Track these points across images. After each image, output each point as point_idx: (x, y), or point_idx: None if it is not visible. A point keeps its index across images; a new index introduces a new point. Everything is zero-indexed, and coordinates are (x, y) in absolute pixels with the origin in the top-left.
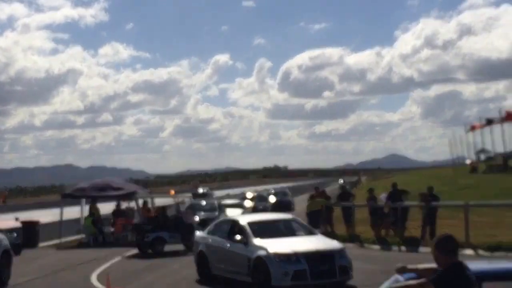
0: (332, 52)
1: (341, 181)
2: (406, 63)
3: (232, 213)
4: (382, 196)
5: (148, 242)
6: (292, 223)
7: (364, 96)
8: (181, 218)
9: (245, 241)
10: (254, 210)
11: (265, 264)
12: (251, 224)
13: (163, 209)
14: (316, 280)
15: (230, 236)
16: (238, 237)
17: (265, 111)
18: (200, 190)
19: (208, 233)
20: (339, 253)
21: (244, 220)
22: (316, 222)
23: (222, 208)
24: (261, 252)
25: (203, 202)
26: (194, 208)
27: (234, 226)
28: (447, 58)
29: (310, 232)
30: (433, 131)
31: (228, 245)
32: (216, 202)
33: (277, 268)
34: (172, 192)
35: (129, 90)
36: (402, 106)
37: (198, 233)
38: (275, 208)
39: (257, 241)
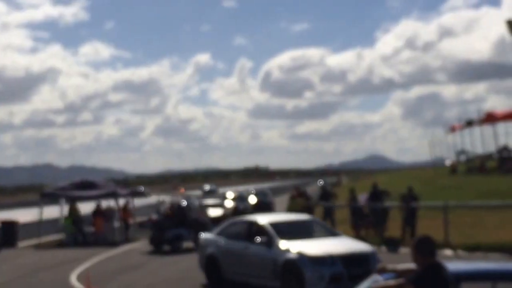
0: (313, 53)
1: (320, 182)
2: (387, 64)
3: (213, 213)
4: (362, 197)
5: (169, 239)
6: (313, 224)
7: (345, 97)
8: (196, 216)
9: (269, 243)
10: (235, 210)
11: (298, 267)
12: (273, 225)
13: (179, 206)
14: (353, 284)
15: (248, 238)
16: (259, 238)
17: (246, 111)
18: (207, 187)
19: (219, 234)
20: (373, 255)
21: (264, 220)
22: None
23: (203, 208)
24: (291, 255)
25: (184, 202)
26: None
27: (252, 227)
28: (427, 60)
29: (332, 234)
30: (413, 132)
31: (247, 247)
32: (197, 202)
33: (312, 271)
34: (182, 190)
35: (109, 89)
36: (383, 107)
37: (204, 235)
38: (256, 208)
39: (283, 243)
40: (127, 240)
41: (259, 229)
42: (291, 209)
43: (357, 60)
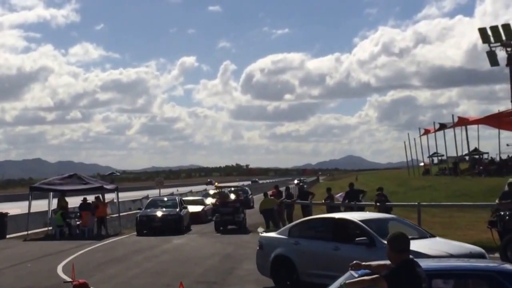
0: (293, 57)
1: (296, 180)
2: (364, 69)
3: (194, 209)
4: (339, 195)
5: (239, 221)
6: (399, 223)
7: (323, 100)
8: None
9: (371, 243)
10: (216, 207)
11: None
12: (366, 223)
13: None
14: None
15: (337, 237)
16: (361, 238)
17: (229, 112)
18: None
19: (290, 234)
20: (485, 255)
21: (354, 217)
22: (270, 219)
23: (183, 204)
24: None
25: (165, 198)
26: (154, 205)
27: (340, 226)
28: (403, 65)
29: (422, 233)
30: (388, 134)
31: (337, 247)
32: (177, 198)
33: None
34: (217, 183)
35: (98, 89)
36: (360, 110)
37: (265, 235)
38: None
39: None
40: (107, 234)
41: (352, 228)
42: (263, 206)
43: (336, 64)
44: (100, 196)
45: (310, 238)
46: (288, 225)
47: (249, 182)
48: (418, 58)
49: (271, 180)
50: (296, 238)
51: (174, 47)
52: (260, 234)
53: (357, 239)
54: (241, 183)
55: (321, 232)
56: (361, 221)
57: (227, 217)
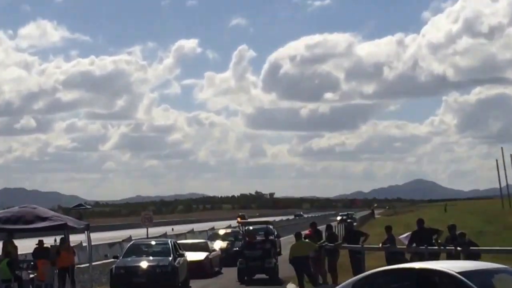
0: (337, 39)
1: (339, 217)
2: (438, 56)
3: (194, 256)
4: (403, 237)
5: (271, 268)
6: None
7: (380, 100)
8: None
9: None
10: (227, 253)
11: None
12: (467, 276)
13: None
14: None
15: None
16: None
17: (245, 118)
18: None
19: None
20: None
21: (449, 268)
22: (304, 271)
23: (179, 250)
24: None
25: (152, 242)
26: (137, 251)
27: (427, 280)
28: (494, 50)
29: None
30: (473, 150)
31: None
32: (171, 241)
33: None
34: (239, 219)
35: (59, 86)
36: (432, 114)
37: None
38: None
39: None
40: None
41: (445, 284)
42: (294, 253)
43: (397, 49)
44: (64, 237)
45: None
46: (349, 281)
47: (290, 217)
48: None
49: (311, 215)
50: None
51: (168, 26)
52: None
53: None
54: (271, 219)
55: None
56: (460, 273)
57: (255, 263)
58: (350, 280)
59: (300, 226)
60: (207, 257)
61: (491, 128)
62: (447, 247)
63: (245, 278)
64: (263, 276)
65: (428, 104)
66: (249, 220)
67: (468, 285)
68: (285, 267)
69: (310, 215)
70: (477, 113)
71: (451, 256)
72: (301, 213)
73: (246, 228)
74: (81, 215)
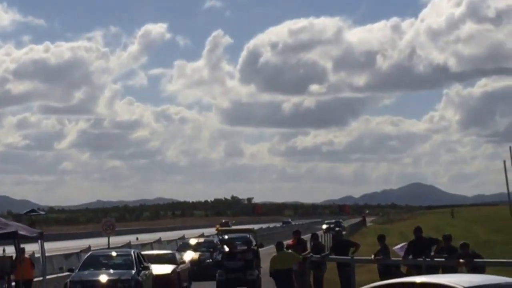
0: (324, 24)
1: (324, 225)
2: (438, 43)
3: (159, 270)
4: (398, 248)
5: (253, 281)
6: None
7: (372, 93)
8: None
9: None
10: (200, 265)
11: None
12: None
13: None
14: None
15: None
16: None
17: (220, 113)
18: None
19: None
20: None
21: (456, 284)
22: (287, 286)
23: (143, 263)
24: None
25: (113, 253)
26: (95, 263)
27: None
28: (501, 37)
29: None
30: (478, 150)
31: None
32: (134, 252)
33: None
34: (218, 226)
35: (9, 76)
36: (431, 109)
37: None
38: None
39: None
40: None
41: None
42: (275, 265)
43: (393, 36)
44: (23, 248)
45: None
46: None
47: (277, 224)
48: None
49: (300, 222)
50: None
51: (133, 9)
52: None
53: None
54: (251, 226)
55: None
56: None
57: (236, 275)
58: None
59: (285, 234)
60: (174, 270)
61: (498, 125)
62: (446, 259)
63: None
64: None
65: (427, 98)
66: (230, 228)
67: None
68: (266, 281)
69: (298, 223)
70: (482, 108)
71: (448, 270)
72: (290, 220)
73: (222, 237)
74: (33, 222)
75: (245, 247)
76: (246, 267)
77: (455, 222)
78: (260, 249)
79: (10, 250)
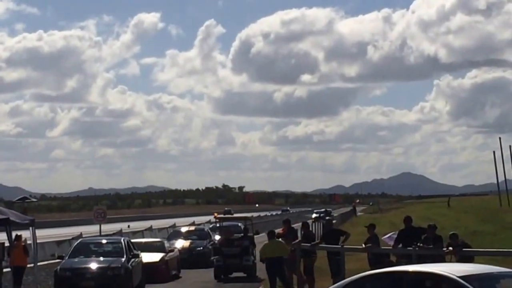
0: (316, 15)
1: (314, 215)
2: (429, 34)
3: (147, 258)
4: (387, 237)
5: (249, 266)
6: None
7: (363, 84)
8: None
9: None
10: (190, 253)
11: None
12: (468, 280)
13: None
14: None
15: None
16: None
17: (212, 102)
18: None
19: None
20: None
21: (449, 272)
22: (278, 274)
23: (133, 250)
24: None
25: (103, 240)
26: (85, 251)
27: (423, 285)
28: (491, 29)
29: None
30: (468, 140)
31: None
32: (124, 240)
33: None
34: (216, 214)
35: (2, 64)
36: (422, 100)
37: None
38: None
39: None
40: None
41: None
42: (266, 253)
43: (384, 27)
44: (18, 234)
45: None
46: (339, 284)
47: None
48: None
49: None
50: None
51: None
52: None
53: None
54: (256, 214)
55: None
56: (461, 277)
57: (233, 260)
58: (337, 284)
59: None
60: (162, 258)
61: (488, 116)
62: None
63: (222, 276)
64: (241, 274)
65: (417, 89)
66: (226, 216)
67: None
68: (261, 266)
69: (296, 210)
70: (473, 99)
71: (437, 259)
72: (288, 208)
73: (220, 224)
74: (25, 210)
75: (242, 234)
76: (242, 253)
77: (444, 212)
78: (256, 236)
79: (2, 237)
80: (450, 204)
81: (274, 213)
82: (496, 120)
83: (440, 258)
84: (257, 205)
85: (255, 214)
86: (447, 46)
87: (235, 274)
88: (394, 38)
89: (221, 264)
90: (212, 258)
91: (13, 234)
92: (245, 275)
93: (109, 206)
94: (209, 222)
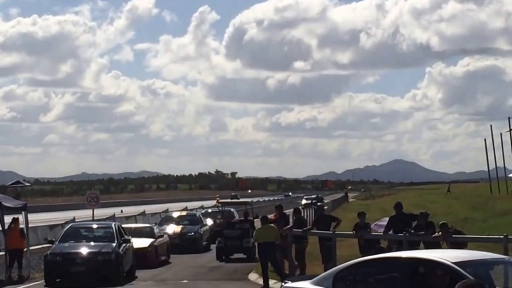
0: (309, 2)
1: (304, 200)
2: (422, 22)
3: (136, 244)
4: (377, 224)
5: (248, 248)
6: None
7: (356, 71)
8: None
9: None
10: (181, 239)
11: None
12: (463, 266)
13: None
14: None
15: None
16: None
17: (205, 88)
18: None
19: (335, 285)
20: None
21: (444, 259)
22: (270, 259)
23: (124, 235)
24: None
25: (93, 225)
26: (75, 235)
27: (418, 271)
28: (483, 17)
29: None
30: (459, 127)
31: None
32: (114, 225)
33: None
34: (218, 198)
35: None
36: (414, 87)
37: (293, 285)
38: (213, 235)
39: None
40: (19, 278)
41: (439, 275)
42: (259, 238)
43: (376, 14)
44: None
45: None
46: (330, 272)
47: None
48: (508, 6)
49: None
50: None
51: None
52: (283, 285)
53: None
54: (256, 199)
55: (389, 281)
56: (455, 263)
57: (234, 242)
58: (331, 271)
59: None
60: (151, 244)
61: (480, 103)
62: (426, 235)
63: (223, 257)
64: (241, 255)
65: (410, 76)
66: (227, 200)
67: (464, 276)
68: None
69: (297, 195)
70: (465, 87)
71: (430, 246)
72: (290, 193)
73: (222, 209)
74: (18, 194)
75: (243, 218)
76: (243, 235)
77: (435, 199)
78: (256, 220)
79: None
80: (450, 190)
81: (267, 198)
82: (488, 107)
83: (434, 245)
84: (249, 191)
85: (254, 200)
86: (439, 34)
87: (235, 255)
88: (387, 25)
89: (223, 245)
90: (216, 240)
91: (10, 218)
92: (245, 256)
93: (102, 190)
94: (202, 207)
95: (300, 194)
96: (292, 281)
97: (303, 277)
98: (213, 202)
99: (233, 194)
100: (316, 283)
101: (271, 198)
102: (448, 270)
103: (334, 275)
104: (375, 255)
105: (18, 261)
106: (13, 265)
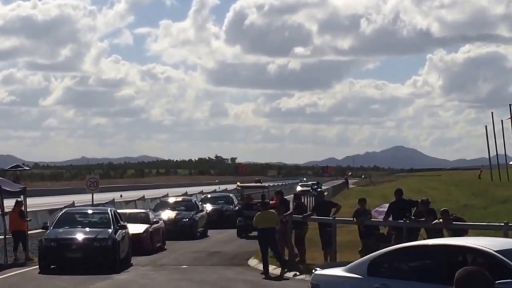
0: None
1: (299, 187)
2: (422, 8)
3: (132, 229)
4: (377, 210)
5: None
6: None
7: (357, 57)
8: None
9: None
10: (176, 224)
11: None
12: (506, 255)
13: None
14: None
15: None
16: (500, 280)
17: (205, 73)
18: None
19: (371, 272)
20: None
21: (485, 246)
22: (270, 244)
23: (120, 221)
24: None
25: (89, 210)
26: (71, 221)
27: (458, 259)
28: (484, 4)
29: None
30: (460, 115)
31: None
32: (110, 210)
33: None
34: (239, 183)
35: None
36: (415, 74)
37: (324, 272)
38: (213, 221)
39: None
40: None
41: (480, 263)
42: (258, 223)
43: (377, 0)
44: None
45: (407, 279)
46: (365, 258)
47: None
48: None
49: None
50: (383, 278)
51: None
52: (314, 271)
53: (497, 282)
54: (269, 183)
55: (426, 269)
56: (498, 252)
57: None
58: (365, 258)
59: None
60: (146, 230)
61: (481, 90)
62: (427, 221)
63: (243, 235)
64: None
65: (410, 63)
66: (247, 185)
67: (507, 265)
68: (244, 241)
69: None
70: (465, 74)
71: (432, 233)
72: (304, 178)
73: (242, 192)
74: (17, 178)
75: (261, 200)
76: None
77: (435, 185)
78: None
79: None
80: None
81: (281, 183)
82: (488, 94)
83: (435, 232)
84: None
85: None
86: (440, 21)
87: (254, 233)
88: (387, 11)
89: (243, 224)
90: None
91: (9, 201)
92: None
93: (101, 175)
94: (201, 192)
95: (298, 180)
96: (322, 268)
97: (333, 263)
98: (213, 188)
99: (256, 179)
100: (349, 271)
101: (286, 182)
102: (491, 259)
103: (370, 261)
104: (411, 242)
105: (22, 243)
106: (17, 248)
